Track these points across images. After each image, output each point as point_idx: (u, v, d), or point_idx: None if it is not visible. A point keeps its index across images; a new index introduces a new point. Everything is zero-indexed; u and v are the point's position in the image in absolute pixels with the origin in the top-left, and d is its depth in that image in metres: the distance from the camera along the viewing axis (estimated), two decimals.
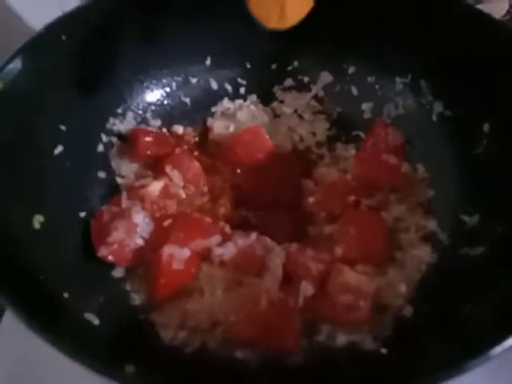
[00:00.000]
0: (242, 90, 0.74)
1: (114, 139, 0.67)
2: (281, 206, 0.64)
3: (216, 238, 0.57)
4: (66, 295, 0.48)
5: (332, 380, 0.47)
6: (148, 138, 0.66)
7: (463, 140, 0.62)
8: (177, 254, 0.54)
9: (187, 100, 0.73)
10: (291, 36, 0.70)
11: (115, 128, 0.68)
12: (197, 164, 0.66)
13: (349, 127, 0.71)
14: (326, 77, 0.73)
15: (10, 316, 0.58)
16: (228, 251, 0.55)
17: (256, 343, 0.49)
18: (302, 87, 0.74)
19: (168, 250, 0.54)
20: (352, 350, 0.50)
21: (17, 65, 0.56)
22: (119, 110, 0.69)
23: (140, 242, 0.57)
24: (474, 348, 0.40)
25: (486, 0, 0.88)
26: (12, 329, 0.57)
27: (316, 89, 0.74)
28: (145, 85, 0.71)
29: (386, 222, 0.59)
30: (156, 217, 0.59)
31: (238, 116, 0.72)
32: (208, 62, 0.73)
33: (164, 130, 0.71)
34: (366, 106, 0.71)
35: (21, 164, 0.55)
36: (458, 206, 0.59)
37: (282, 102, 0.74)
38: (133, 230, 0.57)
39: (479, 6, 0.83)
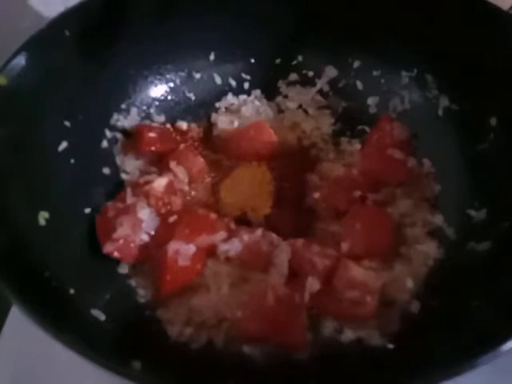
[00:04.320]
0: (246, 85, 0.74)
1: (119, 135, 0.67)
2: (286, 202, 0.64)
3: (221, 234, 0.56)
4: (72, 291, 0.48)
5: (339, 375, 0.46)
6: (152, 134, 0.66)
7: (470, 134, 0.61)
8: (182, 250, 0.54)
9: (191, 95, 0.73)
10: (295, 30, 0.71)
11: (119, 124, 0.67)
12: (201, 160, 0.65)
13: (354, 122, 0.70)
14: (330, 71, 0.73)
15: (14, 316, 0.57)
16: (234, 247, 0.55)
17: (262, 339, 0.49)
18: (306, 82, 0.74)
19: (173, 246, 0.54)
20: (359, 345, 0.49)
21: (21, 61, 0.56)
22: (123, 106, 0.68)
23: (145, 238, 0.57)
24: (482, 344, 0.40)
25: None
26: (16, 328, 0.57)
27: (321, 83, 0.73)
28: (149, 80, 0.70)
29: (392, 217, 0.59)
30: (161, 213, 0.59)
31: (243, 111, 0.72)
32: (212, 57, 0.73)
33: (168, 125, 0.71)
34: (371, 101, 0.71)
35: (25, 160, 0.55)
36: (465, 200, 0.59)
37: (286, 96, 0.74)
38: (138, 225, 0.57)
39: None
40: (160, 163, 0.65)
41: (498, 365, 0.43)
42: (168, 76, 0.72)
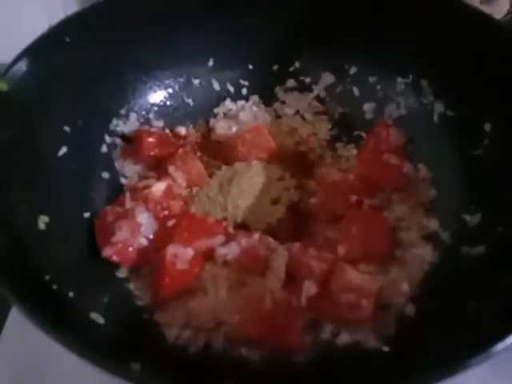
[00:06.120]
0: (244, 91, 0.75)
1: (118, 140, 0.68)
2: (283, 206, 0.64)
3: (219, 238, 0.57)
4: (71, 295, 0.49)
5: (336, 378, 0.47)
6: (151, 139, 0.67)
7: (465, 139, 0.62)
8: (180, 254, 0.54)
9: (190, 101, 0.74)
10: (293, 37, 0.72)
11: (118, 129, 0.68)
12: (200, 164, 0.66)
13: (350, 127, 0.71)
14: (327, 77, 0.74)
15: (14, 316, 0.58)
16: (231, 251, 0.56)
17: (260, 342, 0.50)
18: (303, 88, 0.75)
19: (172, 250, 0.54)
20: (355, 348, 0.50)
21: (21, 67, 0.57)
22: (122, 111, 0.69)
23: (144, 241, 0.57)
24: (476, 345, 0.40)
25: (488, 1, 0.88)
26: (16, 329, 0.57)
27: (318, 89, 0.74)
28: (148, 86, 0.71)
29: (388, 221, 0.59)
30: (160, 217, 0.59)
31: (241, 117, 0.72)
32: (210, 63, 0.73)
33: (167, 130, 0.71)
34: (367, 107, 0.72)
35: (25, 165, 0.55)
36: (460, 205, 0.59)
37: (283, 102, 0.74)
38: (137, 229, 0.57)
39: (480, 6, 0.84)
40: (159, 168, 0.66)
41: (495, 366, 0.43)
42: (167, 82, 0.73)
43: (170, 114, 0.73)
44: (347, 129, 0.71)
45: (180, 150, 0.67)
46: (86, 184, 0.62)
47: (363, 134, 0.70)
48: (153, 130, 0.70)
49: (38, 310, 0.41)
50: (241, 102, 0.74)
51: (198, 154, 0.70)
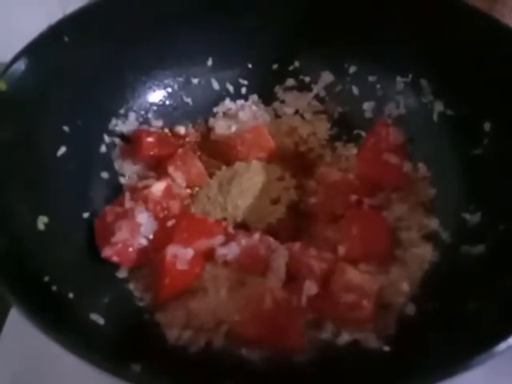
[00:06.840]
0: (244, 90, 0.75)
1: (117, 140, 0.68)
2: (283, 206, 0.64)
3: (219, 238, 0.57)
4: (71, 296, 0.49)
5: (336, 378, 0.47)
6: (150, 139, 0.67)
7: (464, 139, 0.62)
8: (180, 254, 0.54)
9: (189, 100, 0.74)
10: (292, 36, 0.72)
11: (117, 129, 0.68)
12: (199, 164, 0.66)
13: (350, 127, 0.71)
14: (327, 76, 0.74)
15: (14, 316, 0.58)
16: (231, 251, 0.56)
17: (260, 342, 0.50)
18: (303, 87, 0.75)
19: (172, 250, 0.54)
20: (356, 348, 0.50)
21: (20, 66, 0.57)
22: (121, 111, 0.69)
23: (144, 242, 0.57)
24: (477, 345, 0.40)
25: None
26: (16, 329, 0.57)
27: (317, 89, 0.74)
28: (147, 85, 0.71)
29: (387, 221, 0.59)
30: (159, 217, 0.59)
31: (240, 116, 0.72)
32: (209, 62, 0.73)
33: (166, 130, 0.71)
34: (367, 106, 0.72)
35: (24, 165, 0.55)
36: (460, 204, 0.59)
37: (283, 101, 0.74)
38: (136, 230, 0.57)
39: None
40: (158, 168, 0.66)
41: (495, 366, 0.43)
42: (166, 81, 0.72)
43: (169, 113, 0.72)
44: (347, 128, 0.71)
45: (179, 150, 0.67)
46: (86, 184, 0.62)
47: (363, 134, 0.69)
48: (152, 129, 0.70)
49: (37, 310, 0.41)
50: (240, 102, 0.74)
51: (198, 153, 0.69)
